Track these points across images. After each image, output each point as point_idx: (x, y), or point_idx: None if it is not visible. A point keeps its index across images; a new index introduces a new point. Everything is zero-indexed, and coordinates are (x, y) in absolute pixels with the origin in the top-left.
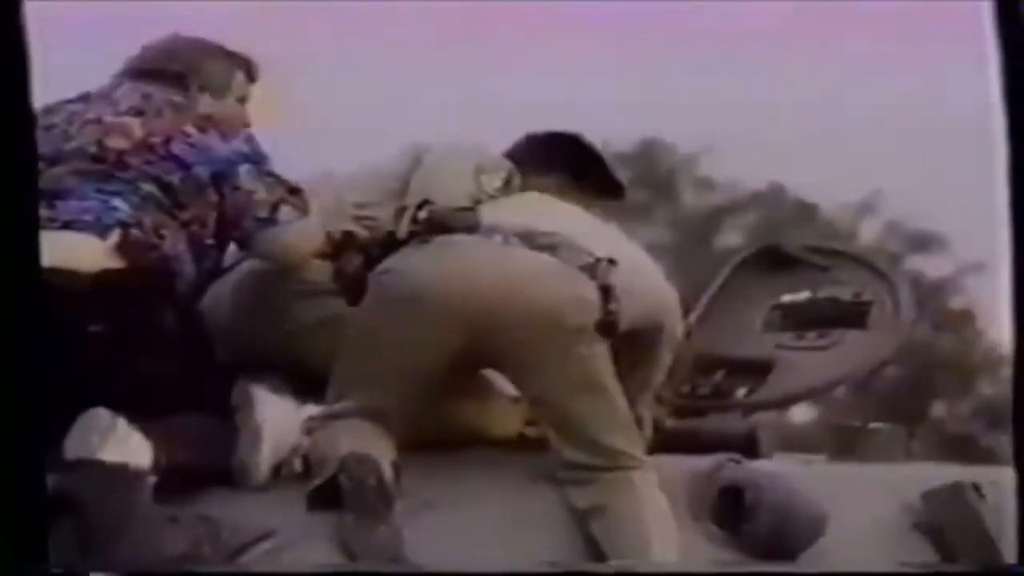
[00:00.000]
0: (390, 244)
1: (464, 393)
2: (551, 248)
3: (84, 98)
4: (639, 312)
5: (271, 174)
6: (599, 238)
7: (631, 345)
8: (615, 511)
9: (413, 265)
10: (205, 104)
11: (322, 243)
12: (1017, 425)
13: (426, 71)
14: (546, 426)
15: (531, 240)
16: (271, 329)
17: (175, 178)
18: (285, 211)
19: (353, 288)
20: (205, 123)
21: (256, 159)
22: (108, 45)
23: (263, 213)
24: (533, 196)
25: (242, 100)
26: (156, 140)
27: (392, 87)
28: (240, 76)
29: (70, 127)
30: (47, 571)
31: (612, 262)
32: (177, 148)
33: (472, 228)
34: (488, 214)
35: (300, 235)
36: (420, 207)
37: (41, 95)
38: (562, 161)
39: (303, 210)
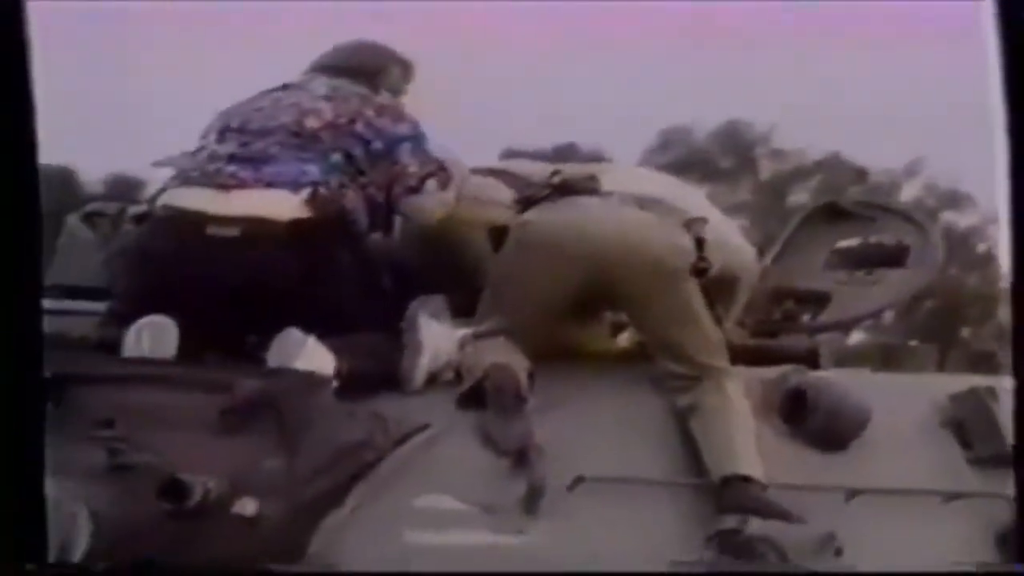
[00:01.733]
0: (527, 202)
1: (582, 319)
2: (655, 208)
3: (285, 87)
4: (724, 261)
5: (426, 153)
6: (693, 202)
7: (718, 287)
8: (707, 409)
9: (546, 217)
10: (383, 97)
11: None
12: (1017, 341)
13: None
14: (653, 347)
15: (640, 202)
16: (432, 266)
17: (357, 151)
18: (430, 184)
19: (498, 237)
20: (381, 110)
21: (417, 140)
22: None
23: (412, 183)
24: (641, 170)
25: (402, 95)
26: (343, 121)
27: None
28: (403, 76)
29: (275, 108)
30: (47, 571)
31: (704, 220)
32: (359, 128)
33: (593, 191)
34: (606, 182)
35: (437, 203)
36: (553, 174)
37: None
38: None
39: (445, 184)
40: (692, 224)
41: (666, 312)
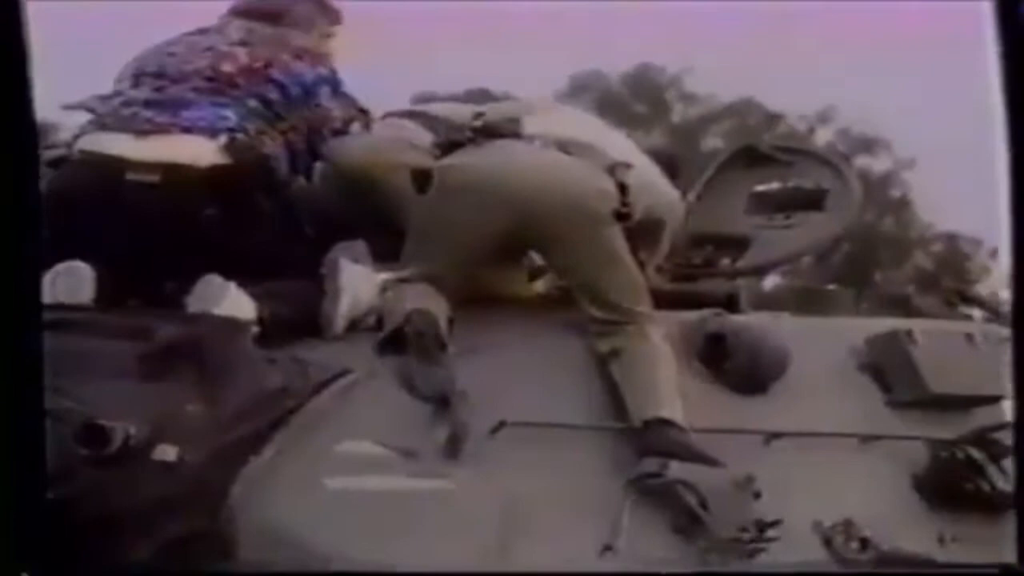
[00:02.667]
0: (449, 146)
1: (503, 264)
2: (579, 152)
3: (202, 31)
4: (647, 205)
5: (346, 96)
6: (617, 147)
7: (641, 232)
8: (629, 352)
9: (468, 161)
10: (296, 37)
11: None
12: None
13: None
14: (575, 292)
15: (563, 146)
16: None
17: (274, 95)
18: (355, 127)
19: (421, 180)
20: (298, 54)
21: (335, 84)
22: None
23: (337, 125)
24: (566, 110)
25: (327, 38)
26: (258, 65)
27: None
28: (323, 18)
29: (190, 53)
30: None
31: (627, 165)
32: (275, 73)
33: (516, 134)
34: (529, 125)
35: (363, 145)
36: (476, 117)
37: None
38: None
39: (367, 126)
40: (615, 169)
41: (588, 256)
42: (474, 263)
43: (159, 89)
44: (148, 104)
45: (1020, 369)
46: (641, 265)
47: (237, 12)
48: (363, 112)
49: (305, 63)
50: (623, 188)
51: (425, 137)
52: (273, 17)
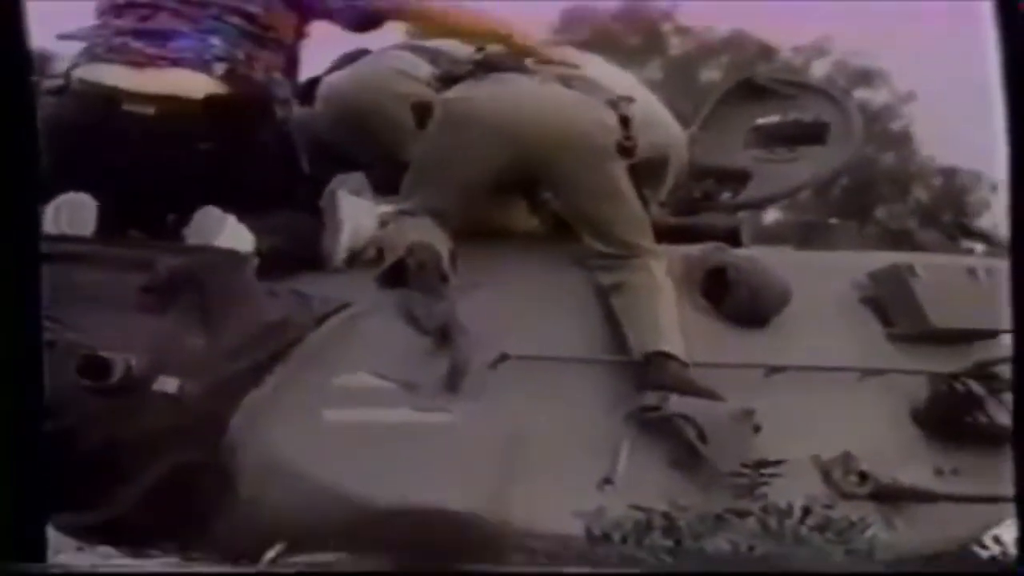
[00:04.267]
0: (451, 79)
1: (504, 197)
2: (581, 86)
3: None
4: (651, 142)
5: None
6: (619, 81)
7: (645, 168)
8: (632, 286)
9: (471, 94)
10: None
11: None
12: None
13: None
14: (578, 225)
15: (565, 80)
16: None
17: (253, 6)
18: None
19: (422, 113)
20: None
21: None
22: None
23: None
24: (560, 49)
25: None
26: None
27: None
28: None
29: None
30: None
31: (630, 99)
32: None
33: (519, 68)
34: (529, 60)
35: (358, 78)
36: (478, 50)
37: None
38: None
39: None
40: (618, 102)
41: (592, 190)
42: (476, 196)
43: (143, 19)
44: (136, 34)
45: (1019, 305)
46: (644, 201)
47: None
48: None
49: None
50: (625, 121)
51: (424, 69)
52: None
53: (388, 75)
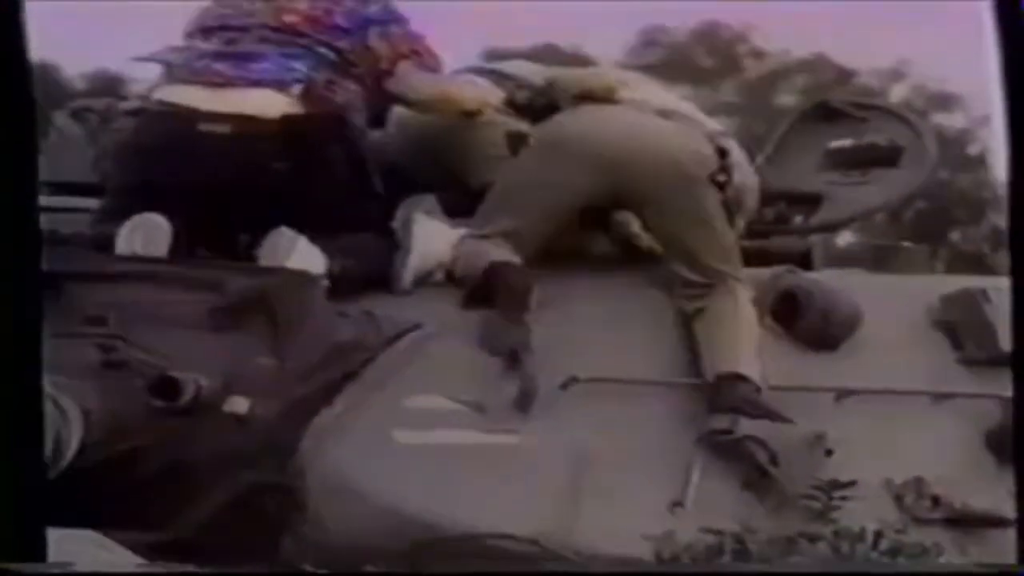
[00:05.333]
0: (547, 109)
1: (584, 222)
2: (676, 118)
3: None
4: (738, 178)
5: (394, 35)
6: (709, 119)
7: (733, 201)
8: (715, 311)
9: (567, 122)
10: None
11: (449, 93)
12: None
13: None
14: (668, 252)
15: (662, 112)
16: (425, 162)
17: (342, 43)
18: (402, 65)
19: (516, 141)
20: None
21: (385, 23)
22: None
23: (384, 66)
24: (649, 83)
25: None
26: (319, 13)
27: None
28: None
29: (252, 4)
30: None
31: (726, 132)
32: (338, 19)
33: (613, 101)
34: (624, 93)
35: (415, 83)
36: (549, 83)
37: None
38: None
39: (424, 65)
40: (715, 135)
41: (683, 217)
42: (560, 222)
43: (229, 42)
44: (219, 56)
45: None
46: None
47: None
48: (416, 52)
49: (363, 2)
50: (722, 153)
51: (495, 94)
52: None
53: (455, 80)
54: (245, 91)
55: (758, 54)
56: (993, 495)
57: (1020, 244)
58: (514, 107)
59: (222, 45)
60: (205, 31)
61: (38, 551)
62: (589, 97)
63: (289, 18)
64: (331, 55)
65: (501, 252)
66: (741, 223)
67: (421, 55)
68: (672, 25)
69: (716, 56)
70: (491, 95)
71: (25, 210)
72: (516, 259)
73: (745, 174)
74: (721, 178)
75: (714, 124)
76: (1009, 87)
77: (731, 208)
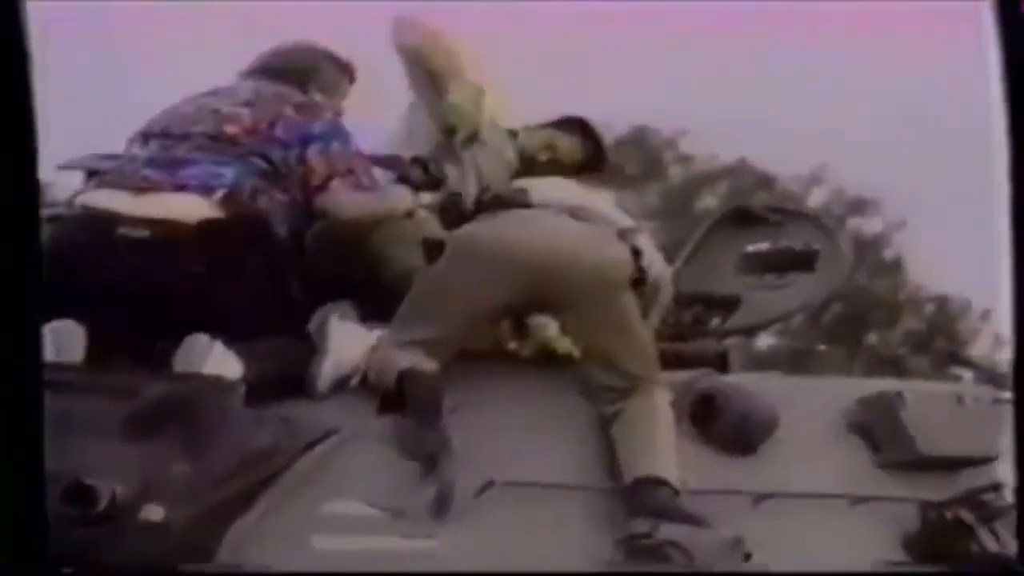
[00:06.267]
0: (461, 218)
1: (500, 326)
2: (590, 218)
3: (213, 92)
4: (652, 271)
5: (332, 153)
6: (618, 212)
7: (644, 295)
8: (632, 414)
9: (485, 231)
10: (314, 98)
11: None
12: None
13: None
14: (587, 356)
15: (573, 213)
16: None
17: (276, 155)
18: (335, 183)
19: (433, 249)
20: (299, 109)
21: (326, 139)
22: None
23: (317, 182)
24: (559, 180)
25: (340, 96)
26: (263, 126)
27: None
28: (344, 79)
29: (198, 114)
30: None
31: (637, 230)
32: (279, 132)
33: (526, 204)
34: (535, 194)
35: (343, 202)
36: (484, 190)
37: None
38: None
39: (356, 185)
40: (627, 234)
41: (603, 322)
42: (477, 328)
43: (164, 148)
44: (150, 163)
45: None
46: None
47: (252, 72)
48: (350, 171)
49: (304, 117)
50: (636, 253)
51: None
52: (287, 75)
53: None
54: (168, 195)
55: (684, 159)
56: None
57: (1020, 247)
58: (446, 219)
59: (157, 151)
60: (145, 137)
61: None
62: (503, 202)
63: (231, 129)
64: (263, 164)
65: (412, 359)
66: (657, 314)
67: (356, 174)
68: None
69: (642, 161)
70: (411, 200)
71: (25, 208)
72: (430, 365)
73: (658, 267)
74: (639, 276)
75: (625, 219)
76: (1009, 87)
77: (648, 304)
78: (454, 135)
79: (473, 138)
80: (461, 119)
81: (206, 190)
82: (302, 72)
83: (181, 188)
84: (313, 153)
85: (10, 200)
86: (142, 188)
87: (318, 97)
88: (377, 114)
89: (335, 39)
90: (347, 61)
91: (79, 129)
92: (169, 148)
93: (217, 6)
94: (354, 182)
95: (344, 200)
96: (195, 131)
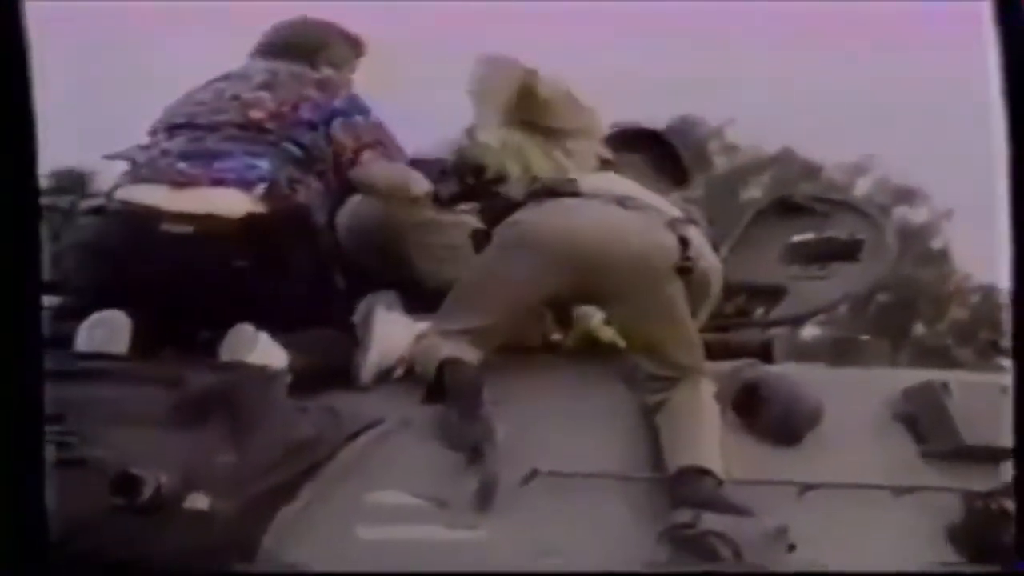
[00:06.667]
0: (510, 206)
1: (546, 316)
2: (638, 208)
3: (225, 77)
4: (701, 264)
5: (356, 125)
6: (668, 205)
7: (696, 289)
8: (677, 404)
9: (532, 219)
10: (326, 74)
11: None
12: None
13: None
14: (633, 347)
15: (621, 202)
16: (387, 256)
17: (306, 139)
18: (366, 155)
19: (480, 238)
20: (322, 87)
21: (348, 113)
22: None
23: (348, 156)
24: (610, 174)
25: (351, 70)
26: (286, 109)
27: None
28: (352, 53)
29: (219, 102)
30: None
31: (687, 220)
32: (304, 113)
33: (575, 194)
34: (584, 184)
35: (377, 174)
36: (533, 180)
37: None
38: (642, 149)
39: (385, 155)
40: (676, 224)
41: (649, 311)
42: (523, 318)
43: (195, 140)
44: (184, 156)
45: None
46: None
47: (261, 51)
48: (379, 142)
49: (326, 94)
50: (684, 242)
51: (421, 184)
52: (296, 53)
53: (397, 204)
54: (208, 190)
55: (729, 149)
56: None
57: (1020, 246)
58: (488, 208)
59: (187, 144)
60: (171, 129)
61: None
62: (551, 191)
63: (256, 115)
64: (296, 151)
65: (455, 348)
66: (706, 310)
67: (384, 144)
68: (644, 120)
69: (688, 152)
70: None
71: (25, 210)
72: (473, 355)
73: (708, 258)
74: (686, 265)
75: (673, 209)
76: (1009, 87)
77: (696, 295)
78: (482, 174)
79: (501, 180)
80: (489, 159)
81: (245, 184)
82: (311, 48)
83: (219, 183)
84: (337, 128)
85: (10, 200)
86: (180, 183)
87: (328, 72)
88: (386, 92)
89: (344, 15)
90: (355, 35)
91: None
92: (200, 140)
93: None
94: (383, 152)
95: (377, 170)
96: (222, 120)
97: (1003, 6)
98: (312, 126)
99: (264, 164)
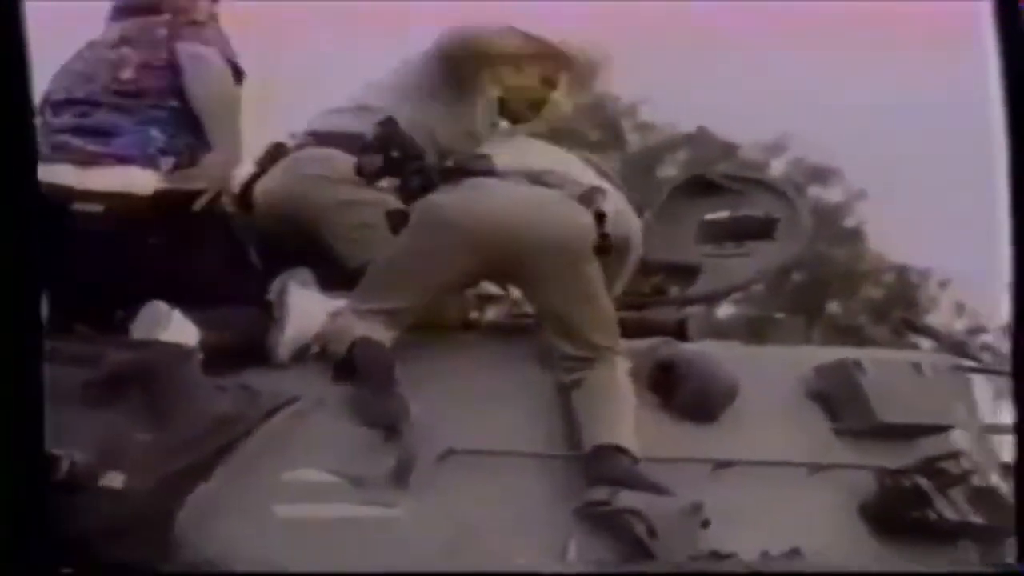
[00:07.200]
0: (426, 186)
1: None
2: (552, 184)
3: (89, 45)
4: (619, 232)
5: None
6: (583, 172)
7: (613, 258)
8: (592, 382)
9: (448, 201)
10: (180, 21)
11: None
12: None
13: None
14: (548, 326)
15: (536, 178)
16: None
17: (178, 82)
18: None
19: (397, 219)
20: (187, 34)
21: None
22: None
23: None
24: (523, 139)
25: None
26: (150, 58)
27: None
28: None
29: (88, 68)
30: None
31: (602, 191)
32: (163, 53)
33: (489, 171)
34: (498, 160)
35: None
36: (443, 157)
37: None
38: None
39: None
40: (591, 197)
41: (565, 292)
42: (438, 299)
43: (82, 115)
44: (77, 131)
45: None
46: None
47: (114, 16)
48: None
49: (196, 42)
50: (600, 217)
51: (340, 161)
52: (144, 8)
53: (314, 183)
54: (115, 169)
55: (644, 127)
56: (868, 567)
57: (1020, 244)
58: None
59: (75, 119)
60: (54, 106)
61: None
62: (465, 170)
63: (125, 74)
64: (176, 103)
65: (368, 328)
66: (627, 275)
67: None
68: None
69: (601, 129)
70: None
71: (25, 210)
72: (387, 335)
73: (626, 222)
74: (603, 243)
75: (587, 174)
76: (1009, 87)
77: (615, 263)
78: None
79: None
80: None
81: (150, 160)
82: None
83: (124, 160)
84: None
85: (10, 200)
86: (84, 162)
87: (177, 19)
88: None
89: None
90: None
91: None
92: (87, 115)
93: None
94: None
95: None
96: (97, 88)
97: (1003, 6)
98: (175, 70)
99: (157, 133)
